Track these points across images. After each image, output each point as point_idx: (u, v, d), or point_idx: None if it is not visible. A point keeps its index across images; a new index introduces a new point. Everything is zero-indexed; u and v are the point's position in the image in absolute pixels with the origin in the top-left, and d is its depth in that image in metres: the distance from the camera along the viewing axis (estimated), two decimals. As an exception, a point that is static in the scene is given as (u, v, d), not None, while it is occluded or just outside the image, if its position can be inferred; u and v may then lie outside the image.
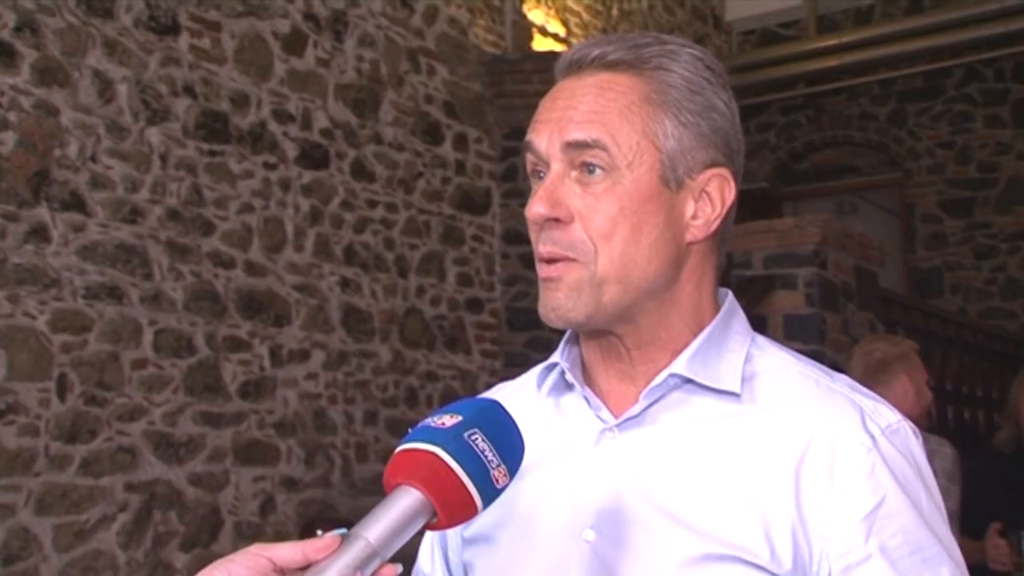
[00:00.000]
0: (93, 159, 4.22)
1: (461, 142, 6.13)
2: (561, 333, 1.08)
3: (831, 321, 4.08)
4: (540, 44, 6.80)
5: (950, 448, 3.23)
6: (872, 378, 2.90)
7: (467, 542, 1.09)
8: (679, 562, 0.93)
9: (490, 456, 0.84)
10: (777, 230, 4.11)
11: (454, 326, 5.95)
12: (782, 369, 1.01)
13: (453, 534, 1.13)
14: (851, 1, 8.48)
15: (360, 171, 5.46)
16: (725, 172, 1.01)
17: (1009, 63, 7.81)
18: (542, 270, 1.00)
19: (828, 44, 8.02)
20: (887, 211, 8.54)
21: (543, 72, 6.21)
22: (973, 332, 5.86)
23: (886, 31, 7.87)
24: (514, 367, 5.98)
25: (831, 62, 7.98)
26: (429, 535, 1.17)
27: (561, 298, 0.98)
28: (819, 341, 3.94)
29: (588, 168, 0.97)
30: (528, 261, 6.12)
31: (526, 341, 6.16)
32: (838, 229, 4.26)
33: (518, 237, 6.20)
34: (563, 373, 1.06)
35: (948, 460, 3.18)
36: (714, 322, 1.02)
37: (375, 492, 4.73)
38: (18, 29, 4.00)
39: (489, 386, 1.22)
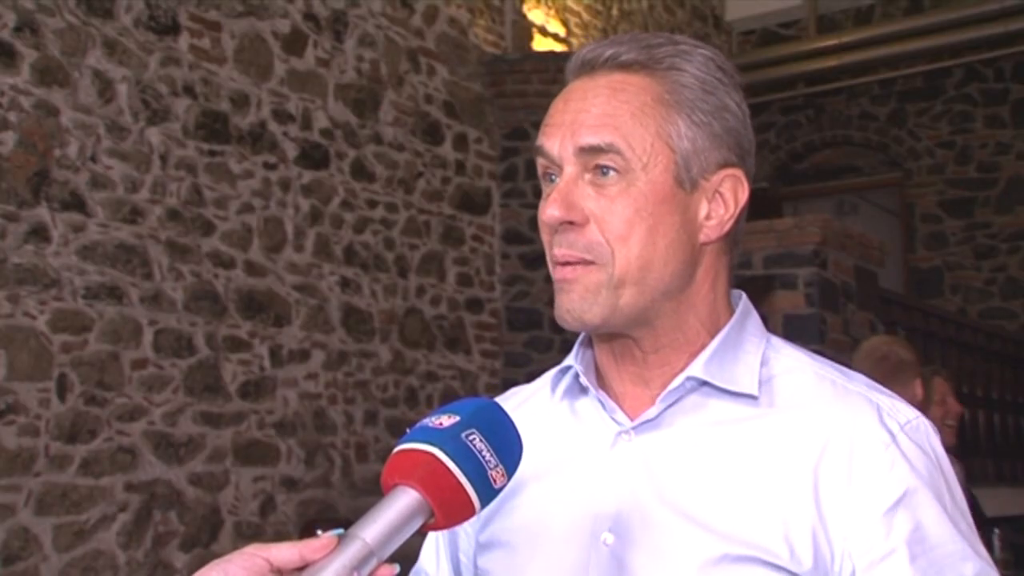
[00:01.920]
0: (93, 159, 4.22)
1: (461, 142, 6.13)
2: (564, 334, 1.08)
3: (831, 321, 4.08)
4: (540, 44, 6.80)
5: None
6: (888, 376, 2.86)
7: (482, 546, 1.08)
8: (698, 563, 0.92)
9: (487, 456, 0.84)
10: (777, 230, 4.11)
11: (454, 326, 5.95)
12: (798, 370, 1.01)
13: (466, 537, 1.11)
14: (851, 1, 8.48)
15: (360, 171, 5.46)
16: (738, 172, 1.00)
17: (1009, 63, 7.81)
18: (556, 272, 0.98)
19: (828, 44, 8.03)
20: (887, 211, 8.54)
21: (543, 72, 6.22)
22: (973, 332, 5.86)
23: (886, 31, 7.88)
24: (514, 367, 5.98)
25: (831, 62, 7.99)
26: (434, 536, 1.15)
27: (576, 300, 0.96)
28: (819, 341, 3.94)
29: (602, 170, 0.96)
30: (528, 261, 6.15)
31: (526, 341, 6.16)
32: (838, 229, 4.26)
33: (518, 237, 6.20)
34: (577, 376, 1.05)
35: None
36: (729, 324, 1.02)
37: (375, 492, 4.72)
38: (18, 29, 4.00)
39: (490, 386, 1.22)
